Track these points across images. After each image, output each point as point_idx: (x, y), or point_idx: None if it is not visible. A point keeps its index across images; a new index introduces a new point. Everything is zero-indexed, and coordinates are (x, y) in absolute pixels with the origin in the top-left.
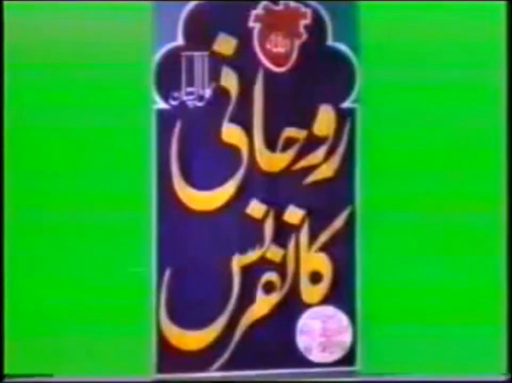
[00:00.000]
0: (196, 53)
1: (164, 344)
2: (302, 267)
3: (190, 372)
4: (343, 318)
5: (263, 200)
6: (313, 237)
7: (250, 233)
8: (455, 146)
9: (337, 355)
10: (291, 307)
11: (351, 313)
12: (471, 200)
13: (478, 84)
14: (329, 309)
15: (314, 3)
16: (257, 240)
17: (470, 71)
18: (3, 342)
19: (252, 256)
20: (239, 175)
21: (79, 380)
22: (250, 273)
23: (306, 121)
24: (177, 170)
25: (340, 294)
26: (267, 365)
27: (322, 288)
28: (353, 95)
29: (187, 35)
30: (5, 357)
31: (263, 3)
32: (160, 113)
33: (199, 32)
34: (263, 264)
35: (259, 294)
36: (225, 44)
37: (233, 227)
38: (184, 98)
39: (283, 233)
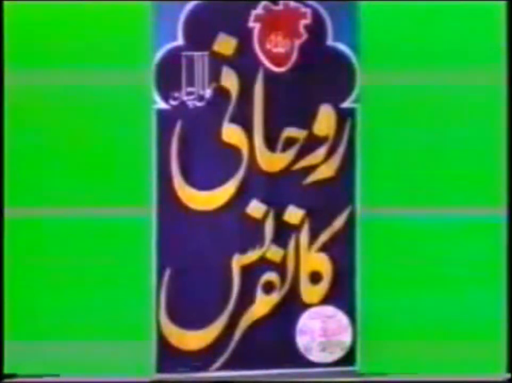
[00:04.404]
0: (196, 53)
1: (164, 344)
2: (302, 267)
3: (190, 372)
4: (342, 318)
5: (263, 200)
6: (313, 237)
7: (250, 233)
8: (455, 145)
9: (336, 355)
10: (291, 307)
11: (350, 313)
12: (472, 201)
13: (477, 84)
14: (329, 309)
15: (314, 3)
16: (257, 240)
17: (470, 71)
18: (4, 342)
19: (252, 256)
20: (239, 175)
21: (79, 380)
22: (250, 273)
23: (306, 121)
24: (177, 170)
25: (340, 294)
26: (267, 365)
27: (322, 288)
28: (353, 95)
29: (187, 35)
30: (5, 357)
31: (263, 3)
32: (160, 113)
33: (199, 32)
34: (263, 264)
35: (259, 294)
36: (225, 44)
37: (233, 227)
38: (184, 98)
39: (283, 233)
